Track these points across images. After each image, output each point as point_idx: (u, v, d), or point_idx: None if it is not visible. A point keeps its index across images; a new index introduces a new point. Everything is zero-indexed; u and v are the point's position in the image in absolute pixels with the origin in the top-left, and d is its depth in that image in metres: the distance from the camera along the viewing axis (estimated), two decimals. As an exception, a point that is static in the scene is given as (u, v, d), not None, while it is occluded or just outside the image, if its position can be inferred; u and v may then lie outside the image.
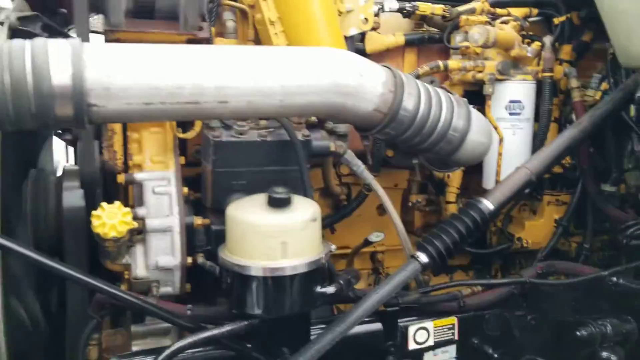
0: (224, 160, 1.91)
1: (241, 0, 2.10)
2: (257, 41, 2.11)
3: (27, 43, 1.39)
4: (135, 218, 1.81)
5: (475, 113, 1.95)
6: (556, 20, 2.48)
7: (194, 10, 1.75)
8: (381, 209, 2.56)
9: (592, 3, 2.22)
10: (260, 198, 1.76)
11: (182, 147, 2.13)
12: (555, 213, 2.57)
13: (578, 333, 2.20)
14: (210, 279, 2.00)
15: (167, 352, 1.66)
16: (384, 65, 1.82)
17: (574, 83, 2.43)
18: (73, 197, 1.95)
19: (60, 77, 1.38)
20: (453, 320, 2.18)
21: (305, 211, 1.72)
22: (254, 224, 1.67)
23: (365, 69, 1.70)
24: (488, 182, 2.44)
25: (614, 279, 2.22)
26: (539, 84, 2.40)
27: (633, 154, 2.40)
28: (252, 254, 1.69)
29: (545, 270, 2.26)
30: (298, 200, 1.75)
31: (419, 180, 2.51)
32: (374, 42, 2.29)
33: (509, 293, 2.22)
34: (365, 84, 1.70)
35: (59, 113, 1.41)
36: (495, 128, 2.30)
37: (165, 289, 1.95)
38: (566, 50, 2.50)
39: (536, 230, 2.57)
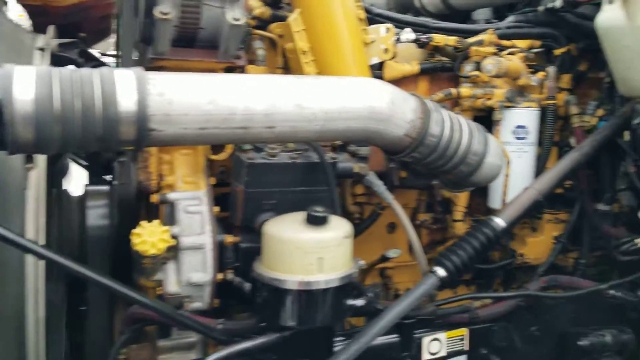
0: (256, 181, 2.01)
1: (270, 29, 2.22)
2: (286, 68, 2.23)
3: (96, 72, 1.49)
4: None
5: (491, 138, 2.10)
6: (557, 52, 2.67)
7: (235, 40, 1.85)
8: (390, 227, 2.68)
9: (590, 36, 2.41)
10: (297, 216, 1.87)
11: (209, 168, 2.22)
12: (554, 230, 2.73)
13: (580, 343, 2.36)
14: (235, 295, 2.10)
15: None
16: (412, 94, 1.96)
17: (574, 110, 2.62)
18: (96, 215, 2.01)
19: (126, 103, 1.48)
20: (464, 331, 2.31)
21: (340, 229, 1.84)
22: (295, 240, 1.78)
23: (397, 97, 1.84)
24: (494, 201, 2.58)
25: (612, 291, 2.39)
26: (542, 111, 2.57)
27: (626, 175, 2.58)
28: (290, 269, 1.80)
29: (548, 284, 2.42)
30: (333, 219, 1.86)
31: (437, 199, 2.63)
32: (392, 70, 2.43)
33: (515, 305, 2.36)
34: (397, 111, 1.83)
35: (122, 137, 1.51)
36: (503, 151, 2.46)
37: (196, 304, 2.02)
38: (566, 80, 2.69)
39: (536, 246, 2.72)
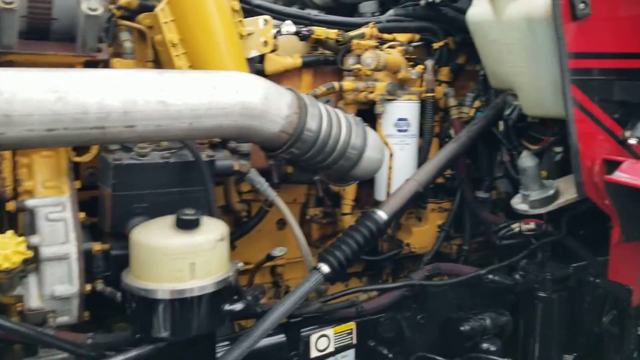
0: (124, 183, 1.87)
1: (139, 20, 2.08)
2: (157, 62, 2.10)
3: None
4: (28, 247, 1.73)
5: (370, 131, 2.10)
6: (435, 45, 2.73)
7: (93, 32, 1.71)
8: (280, 224, 2.63)
9: (466, 30, 2.48)
10: (166, 220, 1.76)
11: (75, 170, 2.06)
12: (438, 219, 2.81)
13: (462, 328, 2.44)
14: (109, 306, 1.97)
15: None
16: (288, 88, 1.91)
17: (452, 102, 2.69)
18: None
19: (-46, 103, 1.31)
20: (351, 325, 2.32)
21: (213, 231, 1.76)
22: (163, 246, 1.68)
23: (271, 92, 1.78)
24: (380, 194, 2.61)
25: (490, 276, 2.49)
26: (423, 103, 2.61)
27: (502, 164, 2.70)
28: (159, 277, 1.70)
29: (432, 272, 2.48)
30: (206, 221, 1.78)
31: (319, 194, 2.61)
32: (273, 64, 2.37)
33: (401, 296, 2.40)
34: (272, 106, 1.77)
35: (-48, 141, 1.33)
36: (386, 144, 2.48)
37: (63, 319, 1.87)
38: (444, 72, 2.75)
39: (422, 235, 2.79)
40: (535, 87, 2.12)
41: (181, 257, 1.68)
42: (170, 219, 1.74)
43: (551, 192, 2.20)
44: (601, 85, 2.04)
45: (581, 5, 1.91)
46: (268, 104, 1.76)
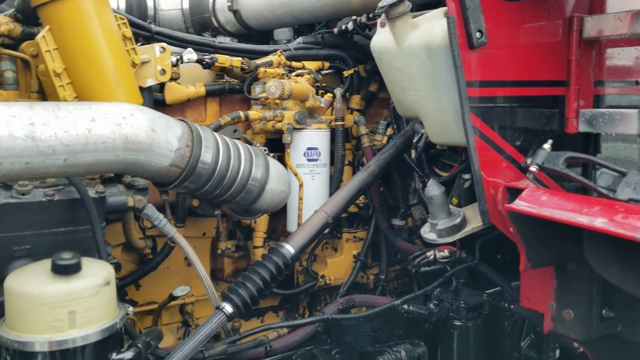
0: (2, 224, 1.72)
1: (22, 49, 1.94)
2: (43, 93, 1.96)
3: None
4: None
5: (273, 162, 2.03)
6: (346, 73, 2.71)
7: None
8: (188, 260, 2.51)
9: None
10: (44, 265, 1.62)
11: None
12: (354, 249, 2.76)
13: (377, 361, 2.37)
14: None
15: None
16: (179, 119, 1.81)
17: (362, 130, 2.66)
18: None
19: None
20: (261, 366, 2.21)
21: (96, 275, 1.63)
22: (37, 295, 1.53)
23: (158, 124, 1.69)
24: (291, 225, 2.54)
25: (405, 306, 2.44)
26: (333, 132, 2.58)
27: (416, 191, 2.68)
28: (35, 328, 1.55)
29: (345, 305, 2.41)
30: (88, 264, 1.64)
31: (226, 228, 2.52)
32: (174, 93, 2.28)
33: (313, 331, 2.32)
34: (160, 139, 1.68)
35: None
36: (295, 174, 2.42)
37: None
38: (355, 100, 2.74)
39: (338, 266, 2.73)
40: (438, 115, 2.12)
41: (59, 305, 1.55)
42: (48, 263, 1.60)
43: (458, 220, 2.18)
44: (501, 112, 2.05)
45: (477, 34, 1.92)
46: (155, 137, 1.66)
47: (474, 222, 2.18)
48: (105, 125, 1.57)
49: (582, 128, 2.09)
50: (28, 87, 1.98)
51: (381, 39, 2.20)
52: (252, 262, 2.57)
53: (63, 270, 1.56)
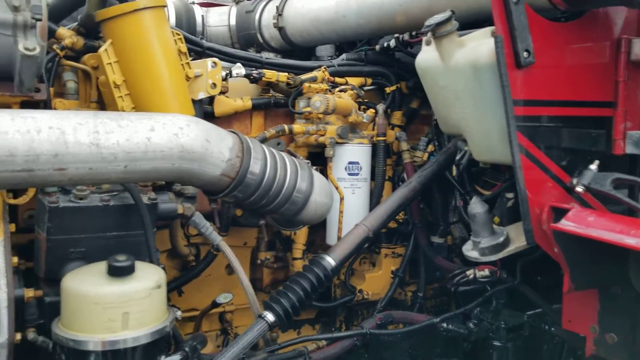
0: (60, 227, 1.80)
1: (84, 61, 2.04)
2: (101, 103, 2.05)
3: None
4: (-46, 293, 1.65)
5: (317, 175, 2.07)
6: (388, 90, 2.75)
7: (30, 72, 1.66)
8: (230, 269, 2.55)
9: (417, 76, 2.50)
10: (100, 266, 1.69)
11: (13, 211, 1.98)
12: (392, 265, 2.77)
13: (415, 378, 2.37)
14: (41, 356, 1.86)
15: None
16: (230, 131, 1.87)
17: (404, 146, 2.69)
18: None
19: None
20: (300, 376, 2.23)
21: (149, 278, 1.69)
22: (93, 295, 1.60)
23: (212, 135, 1.74)
24: (331, 238, 2.57)
25: (445, 324, 2.44)
26: (374, 147, 2.61)
27: (456, 209, 2.68)
28: (89, 328, 1.61)
29: (384, 321, 2.41)
30: (141, 267, 1.71)
31: (265, 239, 2.56)
32: (222, 105, 2.35)
33: (351, 345, 2.33)
34: (213, 150, 1.74)
35: None
36: (337, 188, 2.45)
37: (-12, 370, 1.78)
38: (397, 116, 2.77)
39: (376, 281, 2.74)
40: (483, 133, 2.13)
41: (113, 306, 1.61)
42: (104, 265, 1.67)
43: (501, 239, 2.18)
44: (548, 132, 2.05)
45: (525, 54, 1.94)
46: (209, 147, 1.72)
47: (518, 242, 2.17)
48: (163, 134, 1.63)
49: (629, 150, 2.07)
50: (88, 97, 2.07)
51: (426, 57, 2.23)
52: (291, 273, 2.60)
53: (118, 272, 1.62)
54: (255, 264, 2.64)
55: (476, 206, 2.20)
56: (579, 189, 2.01)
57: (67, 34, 2.03)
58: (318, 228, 2.64)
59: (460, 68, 2.07)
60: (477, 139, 2.19)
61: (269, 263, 2.61)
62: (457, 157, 2.42)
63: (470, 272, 2.40)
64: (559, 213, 2.00)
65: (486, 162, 2.33)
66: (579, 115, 2.11)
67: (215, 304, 2.20)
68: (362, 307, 2.80)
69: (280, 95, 2.54)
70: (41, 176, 1.48)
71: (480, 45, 2.02)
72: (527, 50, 1.95)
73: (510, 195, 2.35)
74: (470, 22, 2.38)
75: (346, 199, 2.48)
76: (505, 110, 1.96)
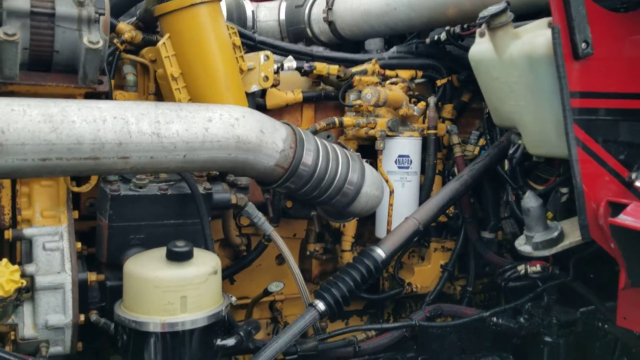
0: (121, 214, 1.89)
1: (142, 54, 2.11)
2: (159, 95, 2.12)
3: None
4: (23, 275, 1.74)
5: (368, 167, 2.08)
6: (439, 82, 2.73)
7: (94, 64, 1.74)
8: (280, 259, 2.61)
9: (470, 68, 2.47)
10: (159, 252, 1.75)
11: (75, 199, 2.07)
12: (441, 259, 2.75)
13: (464, 372, 2.36)
14: (104, 337, 1.95)
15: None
16: (284, 123, 1.91)
17: (455, 139, 2.66)
18: None
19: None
20: (349, 365, 2.25)
21: (206, 264, 1.74)
22: (153, 279, 1.66)
23: (266, 126, 1.78)
24: (380, 231, 2.57)
25: (494, 319, 2.42)
26: (425, 140, 2.60)
27: (508, 203, 2.64)
28: (150, 310, 1.68)
29: (433, 313, 2.41)
30: (199, 253, 1.76)
31: (316, 230, 2.59)
32: (274, 98, 2.39)
33: (400, 336, 2.34)
34: (267, 140, 1.77)
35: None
36: (387, 181, 2.46)
37: (56, 349, 1.86)
38: (448, 109, 2.75)
39: (425, 275, 2.73)
40: (538, 126, 2.10)
41: (172, 289, 1.67)
42: (163, 251, 1.73)
43: (555, 234, 2.14)
44: (605, 125, 2.01)
45: (583, 45, 1.89)
46: (263, 138, 1.75)
47: (572, 237, 2.13)
48: (220, 125, 1.68)
49: (691, 144, 2.01)
50: (146, 90, 2.14)
51: (480, 49, 2.21)
52: (340, 265, 2.63)
53: (177, 257, 1.68)
54: (304, 255, 2.68)
55: (530, 200, 2.17)
56: (638, 183, 1.96)
57: (126, 28, 2.10)
58: (367, 221, 2.65)
59: (515, 60, 2.04)
60: (532, 132, 2.16)
61: (318, 254, 2.64)
62: (511, 151, 2.39)
63: (521, 268, 2.37)
64: (617, 208, 1.95)
65: (541, 155, 2.29)
66: (638, 108, 2.05)
67: (267, 292, 2.24)
68: (410, 300, 2.80)
69: (331, 88, 2.56)
70: (106, 164, 1.55)
71: (536, 36, 1.99)
72: (585, 42, 1.91)
73: (564, 190, 2.31)
74: (523, 14, 2.34)
75: (396, 192, 2.48)
76: (562, 103, 1.92)
